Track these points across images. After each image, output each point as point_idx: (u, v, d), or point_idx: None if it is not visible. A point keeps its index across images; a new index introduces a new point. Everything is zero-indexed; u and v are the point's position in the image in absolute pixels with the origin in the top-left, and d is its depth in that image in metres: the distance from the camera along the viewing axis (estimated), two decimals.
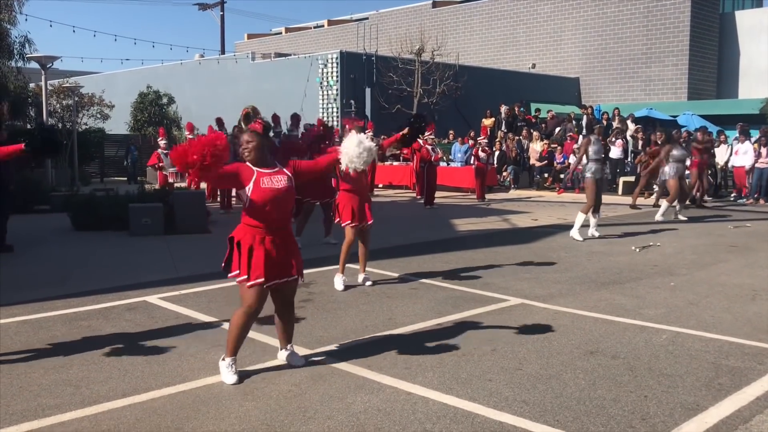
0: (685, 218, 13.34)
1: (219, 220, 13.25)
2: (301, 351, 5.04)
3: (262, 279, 4.42)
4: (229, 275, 4.54)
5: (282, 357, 4.88)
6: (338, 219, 7.37)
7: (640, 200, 17.55)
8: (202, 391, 4.37)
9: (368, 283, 7.44)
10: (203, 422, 3.92)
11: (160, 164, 17.50)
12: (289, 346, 4.87)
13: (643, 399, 4.26)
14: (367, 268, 7.61)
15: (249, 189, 4.41)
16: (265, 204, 4.41)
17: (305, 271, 5.08)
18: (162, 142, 17.68)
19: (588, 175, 10.84)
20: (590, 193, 10.86)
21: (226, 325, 5.83)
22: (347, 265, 7.42)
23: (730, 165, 18.39)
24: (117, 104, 27.47)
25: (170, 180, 17.29)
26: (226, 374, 4.52)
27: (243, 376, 4.58)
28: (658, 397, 4.30)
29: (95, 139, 26.87)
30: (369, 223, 7.37)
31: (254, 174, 4.44)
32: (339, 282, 7.33)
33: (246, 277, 4.43)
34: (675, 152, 13.23)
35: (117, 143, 28.17)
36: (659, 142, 14.59)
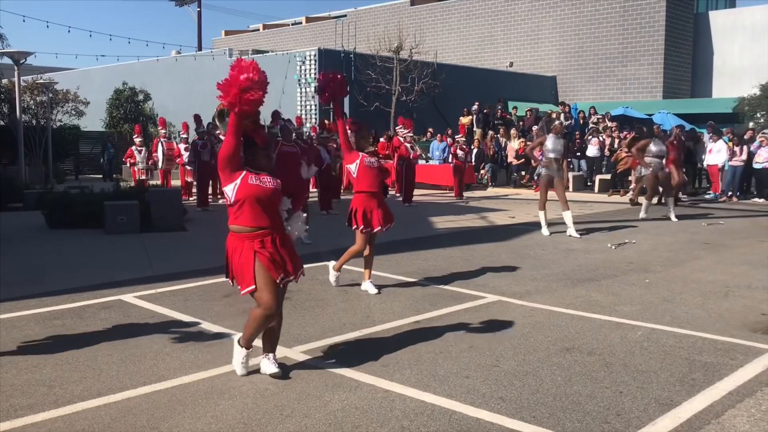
0: (647, 215, 13.29)
1: (195, 217, 13.16)
2: (278, 349, 4.97)
3: (252, 285, 4.32)
4: (243, 292, 4.38)
5: (263, 368, 4.61)
6: (355, 225, 6.87)
7: (615, 197, 17.74)
8: (178, 391, 4.34)
9: (373, 291, 6.96)
10: (179, 421, 3.89)
11: (132, 161, 17.43)
12: (271, 356, 4.63)
13: (619, 395, 4.31)
14: (345, 266, 7.55)
15: (236, 184, 4.35)
16: (251, 200, 4.34)
17: None
18: (137, 140, 17.58)
19: (543, 172, 10.91)
20: (542, 191, 11.01)
21: (203, 324, 5.82)
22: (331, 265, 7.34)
23: (704, 163, 18.61)
24: (92, 101, 27.13)
25: (140, 177, 17.21)
26: (239, 365, 4.58)
27: (229, 375, 4.56)
28: (633, 392, 4.34)
29: (70, 136, 26.52)
30: (389, 226, 6.98)
31: (243, 171, 4.41)
32: (332, 278, 7.20)
33: (253, 286, 4.33)
34: (653, 147, 13.22)
35: (92, 140, 27.82)
36: (627, 139, 14.67)
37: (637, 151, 13.23)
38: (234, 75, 4.11)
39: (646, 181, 13.25)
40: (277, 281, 4.40)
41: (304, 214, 4.76)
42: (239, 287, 4.41)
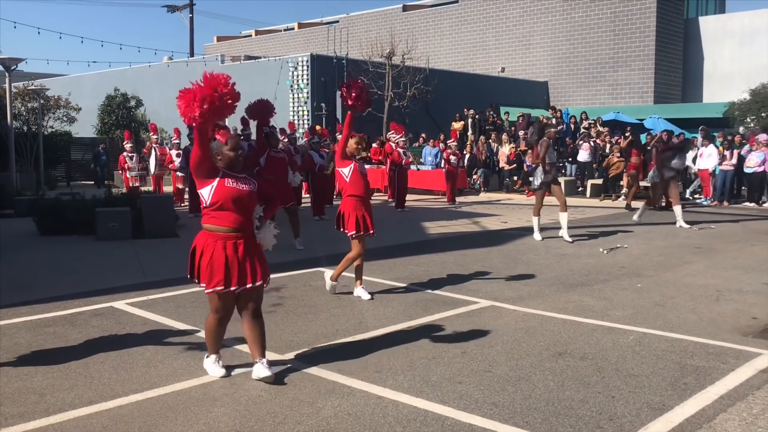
0: (640, 220, 13.26)
1: (187, 223, 13.11)
2: (271, 356, 4.97)
3: (222, 286, 4.42)
4: (208, 291, 4.49)
5: (255, 373, 4.58)
6: (343, 229, 6.93)
7: (608, 202, 17.81)
8: (171, 398, 4.32)
9: (366, 297, 6.94)
10: (171, 429, 3.88)
11: (127, 166, 17.43)
12: (264, 361, 4.58)
13: (611, 399, 4.32)
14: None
15: (213, 186, 4.42)
16: (227, 202, 4.41)
17: (274, 276, 5.04)
18: (128, 146, 17.56)
19: (544, 179, 10.89)
20: (540, 197, 11.04)
21: (195, 331, 5.79)
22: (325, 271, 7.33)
23: (695, 168, 18.69)
24: (84, 107, 27.06)
25: (133, 183, 17.21)
26: (213, 369, 4.66)
27: (221, 382, 4.54)
28: (625, 397, 4.35)
29: (61, 142, 26.44)
30: (370, 233, 6.99)
31: (220, 173, 4.48)
32: (329, 286, 7.14)
33: (205, 284, 4.45)
34: (676, 159, 12.98)
35: (84, 146, 27.74)
36: (620, 144, 14.61)
37: (662, 162, 13.01)
38: (193, 90, 4.20)
39: (653, 187, 13.27)
40: (237, 288, 4.45)
41: (273, 224, 4.78)
42: (203, 285, 4.46)
